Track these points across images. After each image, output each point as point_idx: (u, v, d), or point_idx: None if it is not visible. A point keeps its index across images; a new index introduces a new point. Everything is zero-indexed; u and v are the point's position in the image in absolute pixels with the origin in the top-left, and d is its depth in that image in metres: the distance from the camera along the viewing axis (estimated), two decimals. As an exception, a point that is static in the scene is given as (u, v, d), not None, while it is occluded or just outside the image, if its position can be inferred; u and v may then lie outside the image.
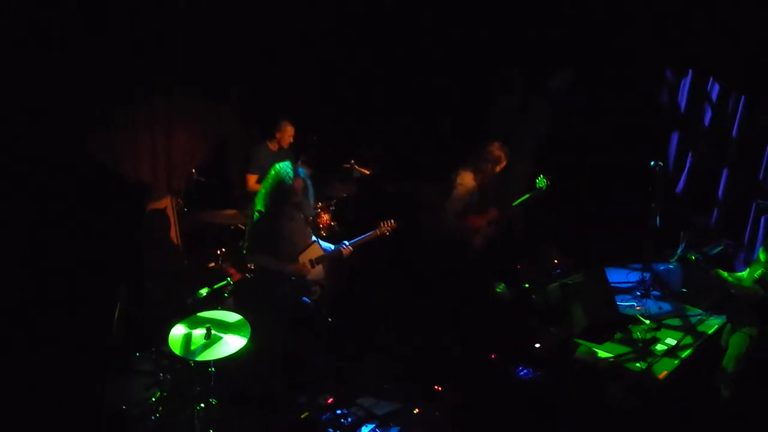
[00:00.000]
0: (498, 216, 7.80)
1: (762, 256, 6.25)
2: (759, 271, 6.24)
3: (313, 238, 6.85)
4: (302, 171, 6.60)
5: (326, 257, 6.82)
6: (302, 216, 6.72)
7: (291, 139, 8.11)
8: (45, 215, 6.92)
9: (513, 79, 9.64)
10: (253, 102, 8.86)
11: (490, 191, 7.77)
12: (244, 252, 6.70)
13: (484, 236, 7.77)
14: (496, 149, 7.72)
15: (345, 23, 9.39)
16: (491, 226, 7.77)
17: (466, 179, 7.67)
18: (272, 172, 6.54)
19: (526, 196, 7.78)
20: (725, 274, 6.41)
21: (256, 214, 6.56)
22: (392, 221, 7.01)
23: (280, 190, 6.45)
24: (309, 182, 6.64)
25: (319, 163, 8.87)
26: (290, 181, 6.43)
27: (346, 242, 6.85)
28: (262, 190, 6.60)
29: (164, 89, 8.10)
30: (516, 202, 7.89)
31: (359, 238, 6.96)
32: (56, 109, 7.06)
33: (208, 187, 8.12)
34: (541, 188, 7.84)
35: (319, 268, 6.79)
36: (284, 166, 6.52)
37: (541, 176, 7.83)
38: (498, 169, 7.68)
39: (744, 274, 6.41)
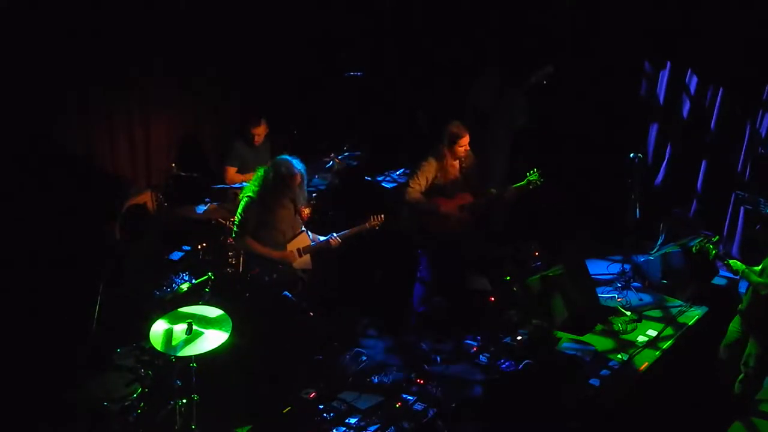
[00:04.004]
0: (471, 202, 7.65)
1: None
2: None
3: (303, 228, 6.87)
4: (300, 163, 6.64)
5: (314, 248, 6.85)
6: (293, 206, 6.74)
7: (262, 136, 8.11)
8: (23, 211, 6.86)
9: (490, 70, 9.63)
10: (230, 97, 8.83)
11: (460, 177, 7.62)
12: (233, 236, 6.76)
13: (458, 221, 7.63)
14: (453, 127, 7.44)
15: (326, 19, 9.37)
16: (463, 211, 7.62)
17: (427, 164, 7.52)
18: (274, 162, 6.60)
19: (523, 182, 7.62)
20: (743, 266, 6.28)
21: (246, 199, 6.60)
22: (381, 216, 7.02)
23: (282, 181, 6.51)
24: (305, 175, 6.70)
25: (298, 155, 8.84)
26: (292, 173, 6.51)
27: (335, 234, 6.87)
28: (256, 179, 6.64)
29: (142, 82, 8.06)
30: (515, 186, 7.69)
31: (348, 230, 6.98)
32: (32, 104, 7.00)
33: (188, 181, 8.06)
34: (535, 181, 7.61)
35: (306, 258, 6.82)
36: (286, 158, 6.59)
37: (534, 170, 7.64)
38: (460, 149, 7.47)
39: (758, 268, 6.26)
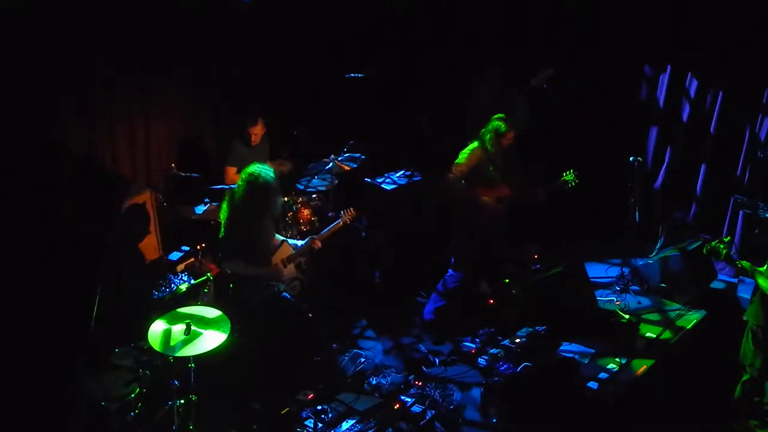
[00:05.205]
0: (509, 195, 7.66)
1: None
2: None
3: (280, 237, 6.84)
4: (268, 171, 6.47)
5: (297, 254, 6.80)
6: (272, 218, 6.72)
7: (259, 136, 8.12)
8: (22, 210, 6.85)
9: (490, 73, 9.63)
10: (229, 97, 8.84)
11: (501, 170, 7.63)
12: (219, 259, 6.67)
13: (492, 213, 7.64)
14: (499, 119, 7.47)
15: (326, 20, 9.38)
16: (501, 203, 7.63)
17: (471, 152, 7.53)
18: (248, 176, 6.36)
19: (558, 181, 7.66)
20: (749, 266, 6.20)
21: (226, 222, 6.46)
22: (352, 210, 7.06)
23: (264, 192, 6.33)
24: (273, 181, 6.47)
25: (298, 157, 8.85)
26: (273, 181, 6.36)
27: (314, 236, 6.87)
28: (228, 202, 6.48)
29: (142, 82, 8.07)
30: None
31: (326, 230, 7.00)
32: (32, 104, 7.00)
33: (187, 181, 8.07)
34: (569, 182, 7.67)
35: (291, 267, 6.77)
36: (260, 168, 6.39)
37: (571, 171, 7.69)
38: (506, 141, 7.48)
39: (763, 268, 6.17)
